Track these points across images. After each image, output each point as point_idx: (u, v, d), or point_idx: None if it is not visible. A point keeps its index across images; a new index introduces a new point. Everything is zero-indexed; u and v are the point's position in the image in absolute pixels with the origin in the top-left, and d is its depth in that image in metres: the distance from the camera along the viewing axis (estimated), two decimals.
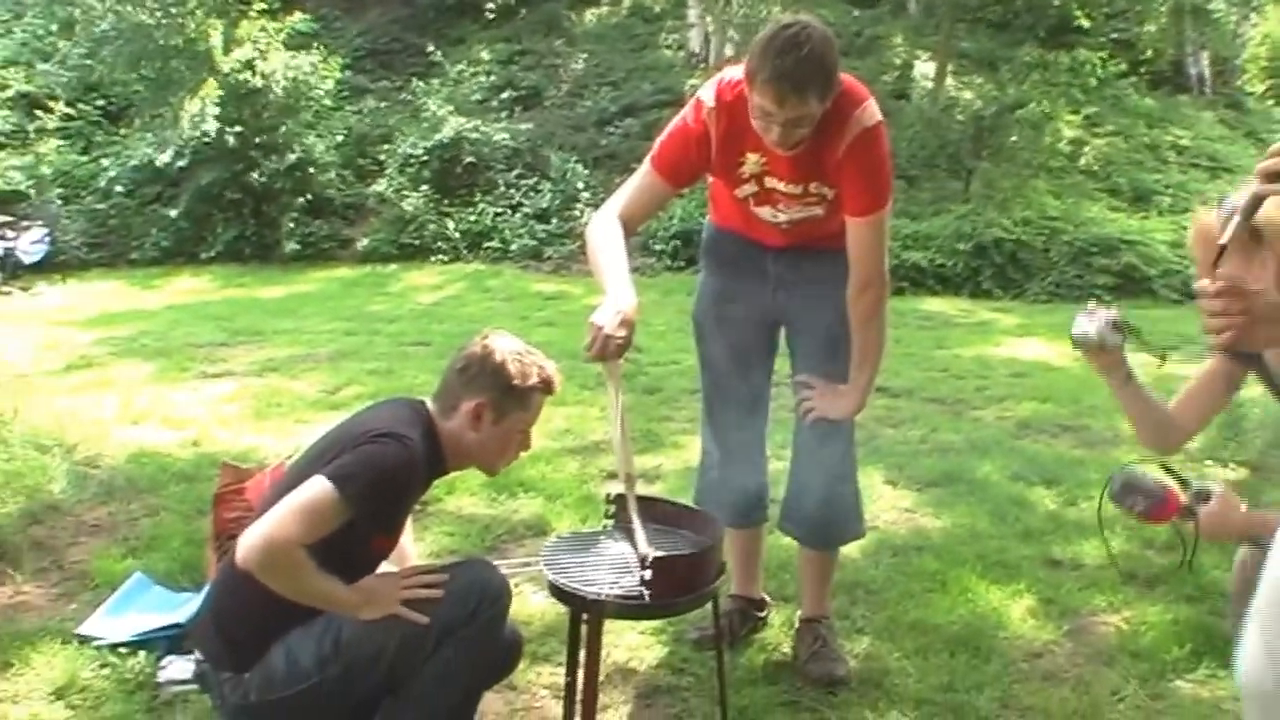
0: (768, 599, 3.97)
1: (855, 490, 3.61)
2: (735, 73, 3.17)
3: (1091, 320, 2.59)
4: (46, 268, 13.69)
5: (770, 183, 3.27)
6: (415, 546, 3.17)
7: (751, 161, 3.24)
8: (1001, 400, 7.41)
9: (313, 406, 6.85)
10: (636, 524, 2.92)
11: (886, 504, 5.25)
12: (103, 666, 3.50)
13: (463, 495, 5.16)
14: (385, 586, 2.68)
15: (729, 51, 16.58)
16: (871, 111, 3.14)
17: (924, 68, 18.84)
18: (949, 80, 18.02)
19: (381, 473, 2.57)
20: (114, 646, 3.60)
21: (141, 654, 3.55)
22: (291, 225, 14.86)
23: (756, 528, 3.83)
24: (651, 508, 3.11)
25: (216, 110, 14.34)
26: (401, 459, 2.60)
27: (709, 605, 3.03)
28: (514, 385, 2.74)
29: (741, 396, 3.61)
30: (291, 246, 14.70)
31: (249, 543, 2.48)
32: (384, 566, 2.85)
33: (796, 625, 3.74)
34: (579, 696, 2.96)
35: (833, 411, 3.41)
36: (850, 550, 4.21)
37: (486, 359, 2.75)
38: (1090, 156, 17.04)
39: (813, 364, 3.48)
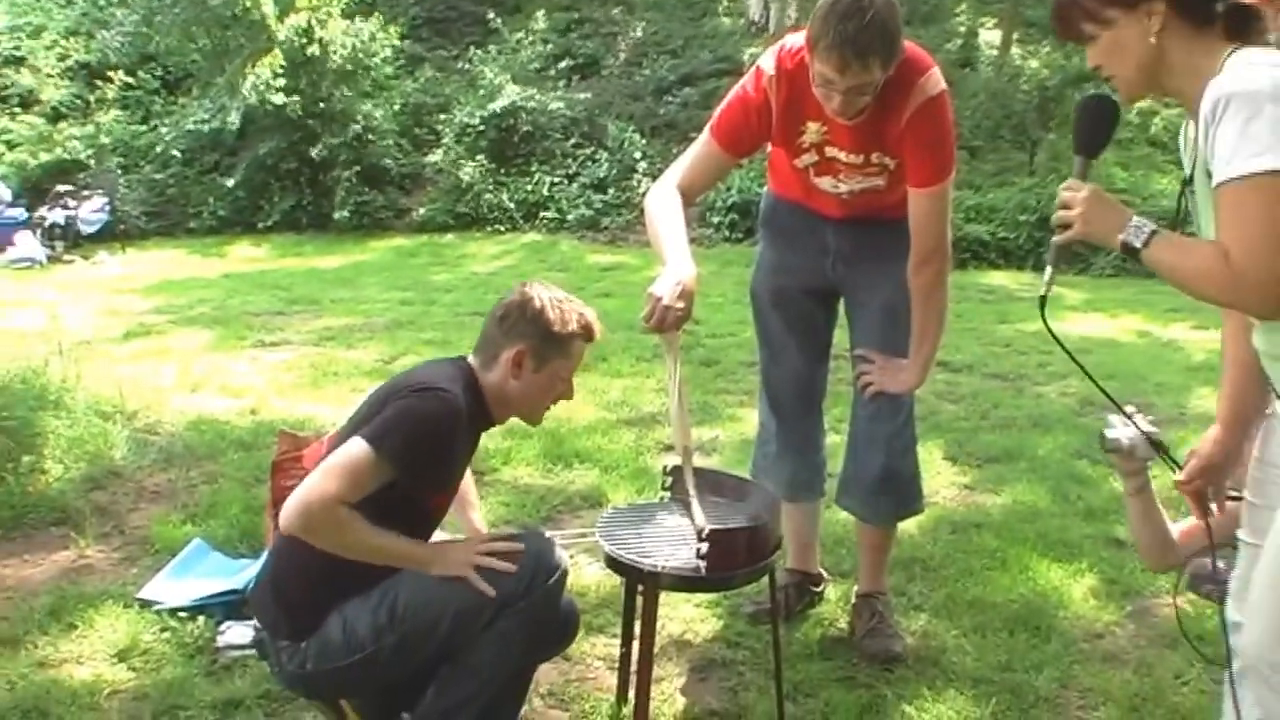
0: (824, 574, 3.97)
1: (914, 465, 3.59)
2: (796, 40, 3.14)
3: (1126, 429, 2.59)
4: (106, 237, 13.92)
5: (831, 152, 3.24)
6: (480, 509, 3.18)
7: (812, 130, 3.22)
8: (1064, 377, 7.33)
9: (369, 375, 6.91)
10: (693, 496, 2.92)
11: (946, 480, 5.23)
12: (163, 630, 3.59)
13: (518, 466, 5.19)
14: (458, 549, 2.69)
15: (789, 19, 16.44)
16: (935, 80, 3.10)
17: (989, 36, 18.57)
18: (1014, 49, 17.74)
19: (418, 425, 2.56)
20: (174, 611, 3.67)
21: (201, 619, 3.63)
22: (347, 195, 14.95)
23: (813, 502, 3.83)
24: (708, 480, 3.11)
25: (281, 81, 14.38)
26: (439, 411, 2.59)
27: (765, 579, 3.03)
28: (554, 331, 2.73)
29: (799, 369, 3.61)
30: (348, 216, 14.80)
31: (288, 507, 2.51)
32: (438, 535, 2.86)
33: (853, 601, 3.75)
34: (633, 668, 2.98)
35: (892, 386, 3.40)
36: (908, 526, 4.20)
37: (526, 306, 2.74)
38: (1159, 128, 16.72)
39: (872, 337, 3.45)
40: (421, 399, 2.59)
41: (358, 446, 2.53)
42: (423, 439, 2.58)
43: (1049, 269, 2.30)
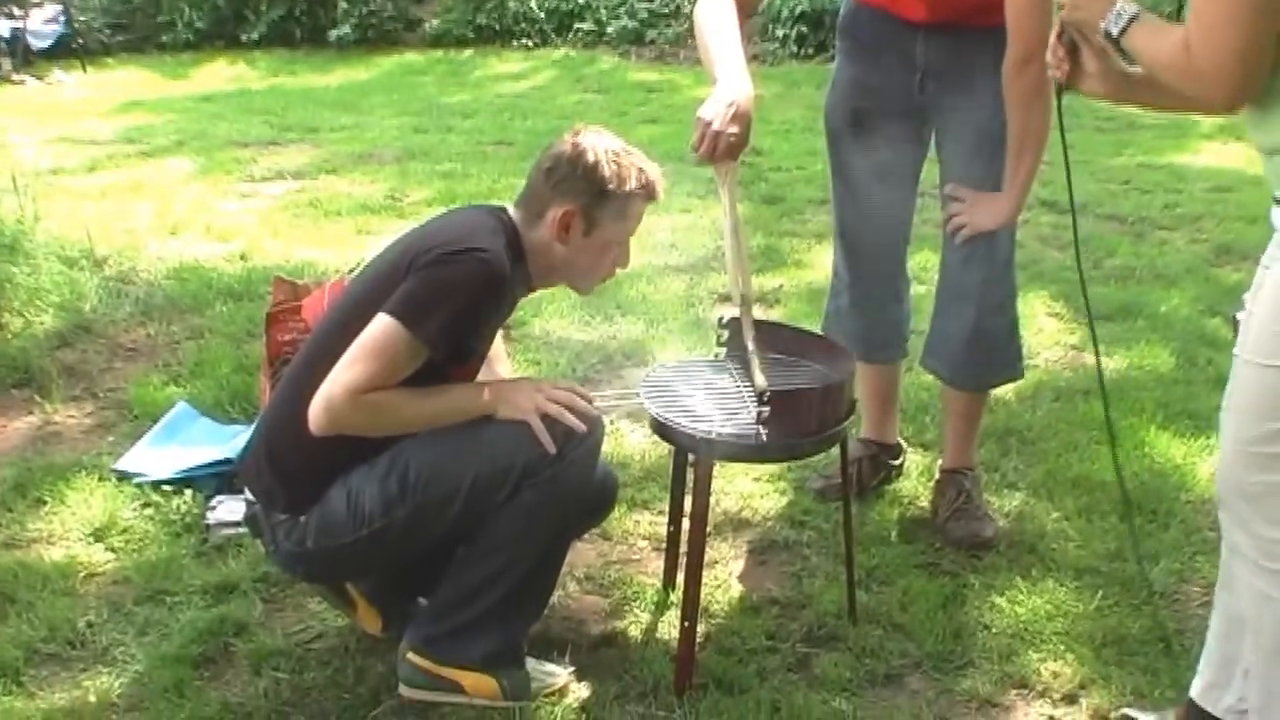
0: (904, 445, 4.01)
1: (1013, 322, 3.58)
2: None
3: None
4: (62, 53, 13.74)
5: None
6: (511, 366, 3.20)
7: None
8: (1196, 220, 7.23)
9: (377, 214, 6.92)
10: (752, 353, 2.93)
11: (1049, 339, 5.22)
12: (145, 506, 3.67)
13: (551, 318, 5.23)
14: (524, 389, 2.72)
15: None
16: None
17: None
18: None
19: (459, 298, 2.58)
20: (157, 484, 3.75)
21: (188, 493, 3.71)
22: (348, 3, 14.78)
23: (893, 363, 3.85)
24: (771, 335, 3.12)
25: None
26: (482, 277, 2.59)
27: (835, 450, 3.05)
28: (609, 190, 2.72)
29: (880, 208, 3.58)
30: (348, 28, 14.65)
31: (316, 405, 2.56)
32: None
33: (937, 477, 3.78)
34: (683, 550, 3.04)
35: (986, 221, 3.36)
36: (1004, 393, 4.23)
37: (578, 159, 2.72)
38: None
39: (965, 170, 3.43)
40: (460, 264, 2.59)
41: (389, 328, 2.55)
42: (465, 313, 2.61)
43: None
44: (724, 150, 2.81)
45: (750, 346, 2.94)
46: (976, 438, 3.80)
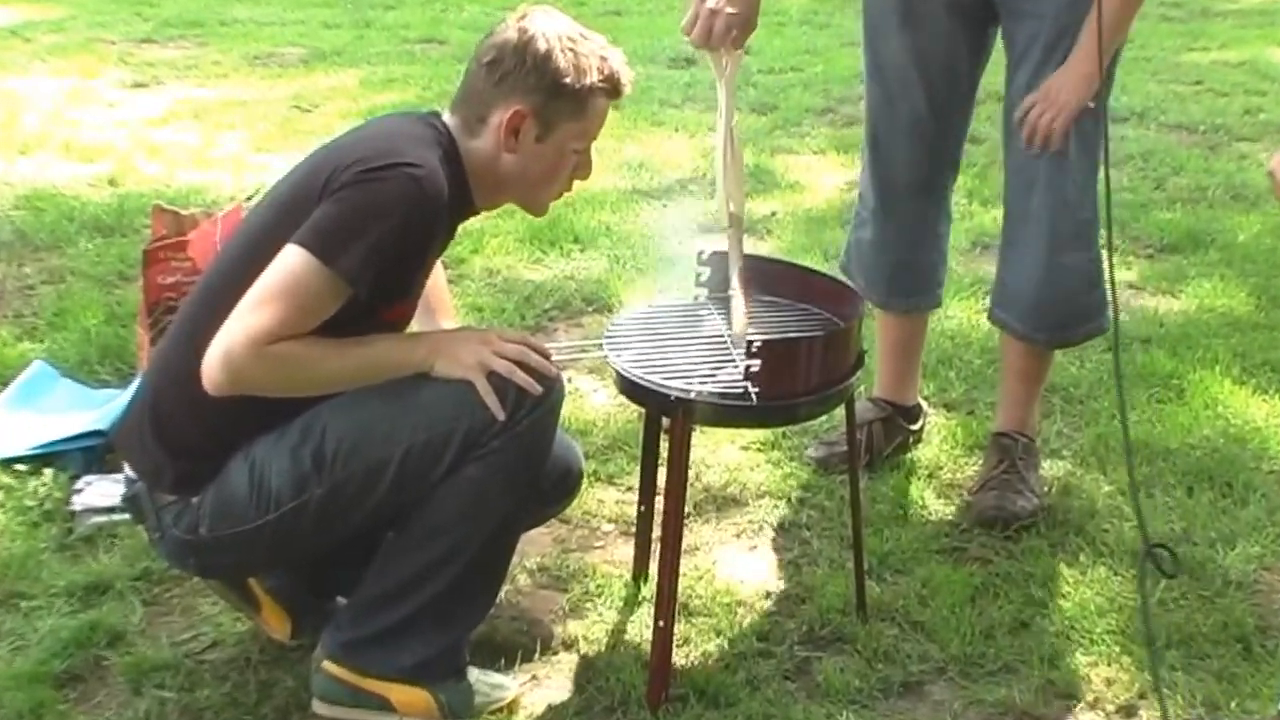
0: (924, 405, 4.04)
1: (1095, 260, 3.54)
2: None
3: None
4: None
5: None
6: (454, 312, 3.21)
7: None
8: None
9: (280, 129, 6.89)
10: (738, 293, 2.93)
11: None
12: None
13: (494, 254, 5.24)
14: (469, 341, 2.70)
15: None
16: None
17: None
18: None
19: (388, 226, 2.56)
20: (8, 462, 3.73)
21: (48, 472, 3.68)
22: None
23: (921, 314, 3.87)
24: (762, 272, 3.11)
25: None
26: (415, 198, 2.58)
27: (840, 411, 3.07)
28: (565, 85, 2.70)
29: (924, 118, 3.58)
30: None
31: (211, 359, 2.52)
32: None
33: (987, 442, 3.80)
34: (656, 534, 3.05)
35: (1062, 97, 3.26)
36: None
37: (526, 48, 2.69)
38: None
39: (1035, 71, 3.38)
40: (386, 182, 2.57)
41: (300, 261, 2.53)
42: (394, 242, 2.58)
43: None
44: (722, 32, 2.81)
45: (735, 282, 2.94)
46: (1038, 400, 3.82)
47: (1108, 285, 3.47)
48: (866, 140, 3.73)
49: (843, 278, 3.57)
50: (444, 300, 3.13)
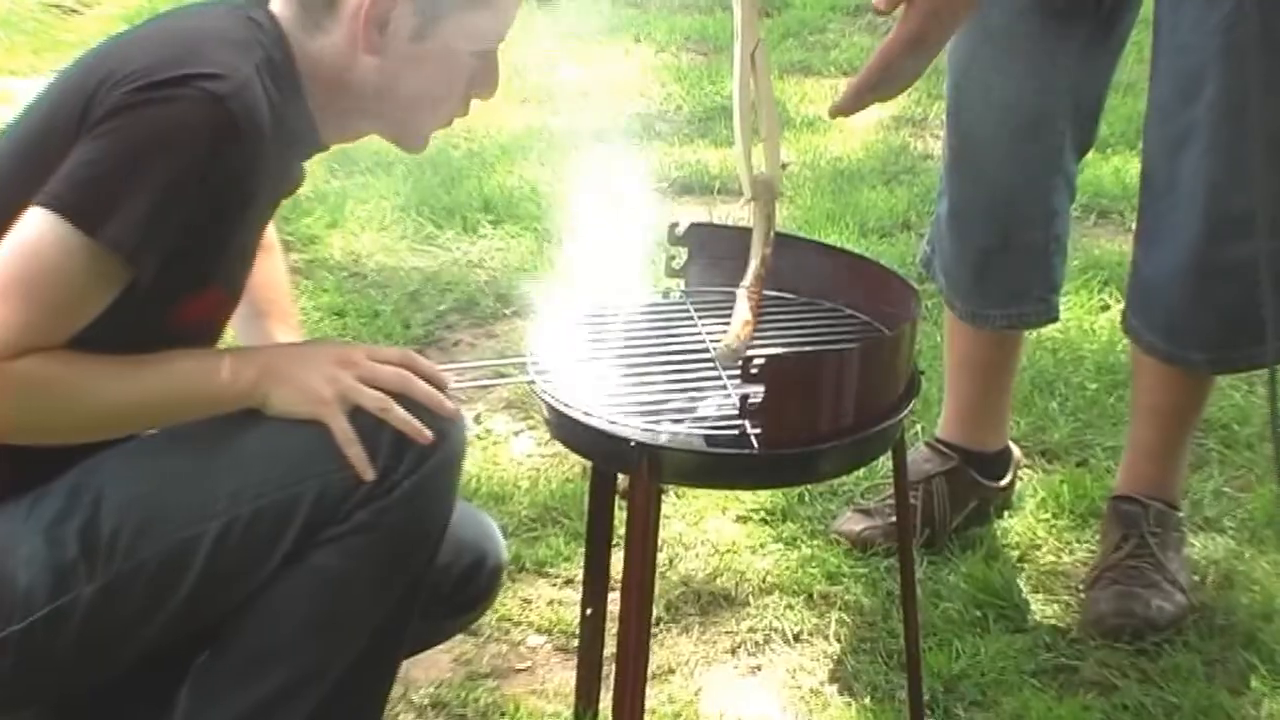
0: (1015, 452, 3.87)
1: (1275, 255, 3.29)
2: None
3: None
4: None
5: None
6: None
7: None
8: None
9: (31, 40, 6.95)
10: (744, 291, 2.78)
11: None
12: None
13: (361, 229, 5.19)
14: (315, 364, 2.47)
15: None
16: None
17: None
18: None
19: (178, 171, 2.31)
20: None
21: None
22: None
23: (1015, 331, 3.74)
24: (774, 256, 2.90)
25: None
26: (219, 127, 2.31)
27: (885, 462, 3.03)
28: None
29: (1026, 72, 3.42)
30: None
31: None
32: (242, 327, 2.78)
33: (1105, 509, 3.66)
34: (609, 649, 2.96)
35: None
36: None
37: None
38: None
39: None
40: (172, 104, 2.32)
41: (48, 231, 2.28)
42: (187, 195, 2.34)
43: None
44: None
45: (750, 278, 2.79)
46: (1185, 448, 3.67)
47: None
48: (949, 95, 3.63)
49: (900, 271, 3.33)
50: (281, 298, 2.95)
